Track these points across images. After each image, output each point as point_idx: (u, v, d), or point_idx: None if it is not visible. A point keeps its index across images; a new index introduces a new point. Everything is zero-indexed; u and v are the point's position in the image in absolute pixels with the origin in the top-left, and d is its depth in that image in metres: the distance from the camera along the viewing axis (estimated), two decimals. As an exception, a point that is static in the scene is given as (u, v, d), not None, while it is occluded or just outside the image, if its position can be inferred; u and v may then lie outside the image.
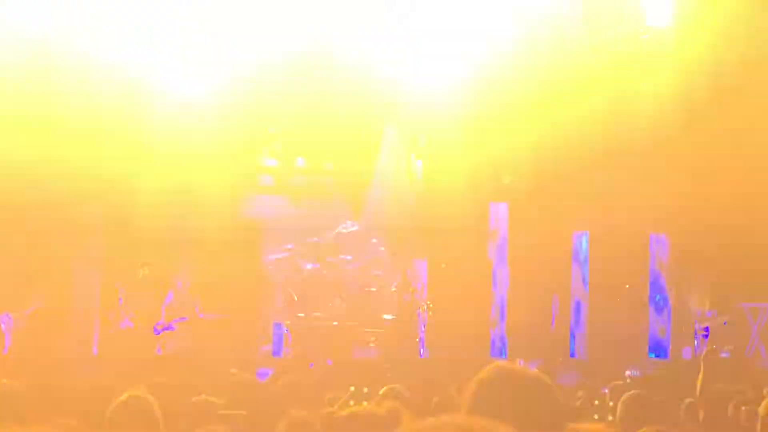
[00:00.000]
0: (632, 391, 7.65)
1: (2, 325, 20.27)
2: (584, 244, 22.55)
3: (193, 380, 11.85)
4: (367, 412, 5.37)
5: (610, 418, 9.48)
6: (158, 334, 20.64)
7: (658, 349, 22.24)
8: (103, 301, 21.62)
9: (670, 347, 22.53)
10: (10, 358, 18.63)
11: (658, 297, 23.00)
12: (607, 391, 11.26)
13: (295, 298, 22.11)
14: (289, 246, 22.35)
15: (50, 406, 8.33)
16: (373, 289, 22.31)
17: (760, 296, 21.75)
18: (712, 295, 22.09)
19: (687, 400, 9.67)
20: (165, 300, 20.63)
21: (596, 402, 10.74)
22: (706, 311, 21.97)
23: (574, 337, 22.77)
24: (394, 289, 21.94)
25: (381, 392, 8.20)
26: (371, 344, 21.60)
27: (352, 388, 10.83)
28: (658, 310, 23.00)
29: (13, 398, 7.06)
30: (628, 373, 15.75)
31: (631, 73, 20.12)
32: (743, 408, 7.88)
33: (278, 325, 21.73)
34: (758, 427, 6.75)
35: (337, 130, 21.22)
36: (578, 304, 22.90)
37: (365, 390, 8.87)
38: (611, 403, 10.64)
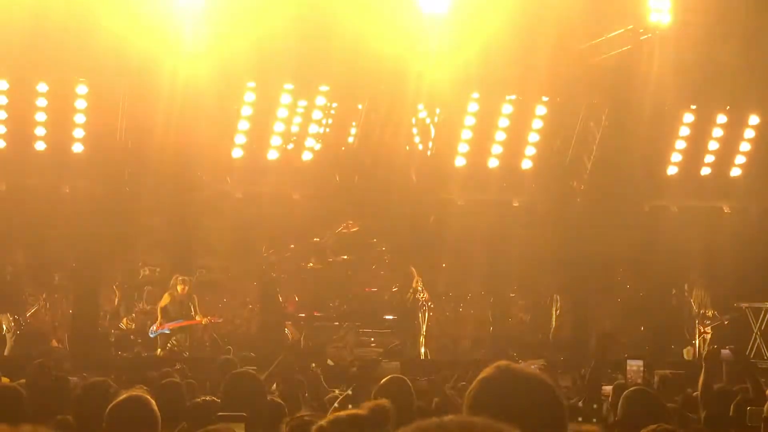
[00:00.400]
0: (633, 388, 7.62)
1: (3, 326, 20.26)
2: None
3: (192, 381, 11.82)
4: (350, 416, 5.30)
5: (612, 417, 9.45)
6: (153, 336, 20.61)
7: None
8: (103, 302, 21.60)
9: (672, 346, 22.52)
10: (12, 359, 18.59)
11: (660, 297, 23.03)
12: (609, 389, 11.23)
13: (296, 299, 22.09)
14: (291, 246, 22.31)
15: (50, 406, 8.30)
16: (374, 290, 22.29)
17: (761, 296, 21.76)
18: (713, 295, 22.08)
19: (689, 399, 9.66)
20: (162, 302, 20.60)
21: (595, 406, 10.68)
22: (708, 311, 21.96)
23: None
24: (395, 289, 21.91)
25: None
26: (372, 344, 21.57)
27: (336, 391, 10.76)
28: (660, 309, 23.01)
29: (13, 398, 7.03)
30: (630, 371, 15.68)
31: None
32: (749, 408, 7.85)
33: (279, 326, 21.72)
34: (762, 427, 6.72)
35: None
36: (578, 304, 22.88)
37: (349, 391, 8.82)
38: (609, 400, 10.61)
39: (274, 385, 12.20)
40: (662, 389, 11.13)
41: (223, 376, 10.83)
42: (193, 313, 20.52)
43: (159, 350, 20.39)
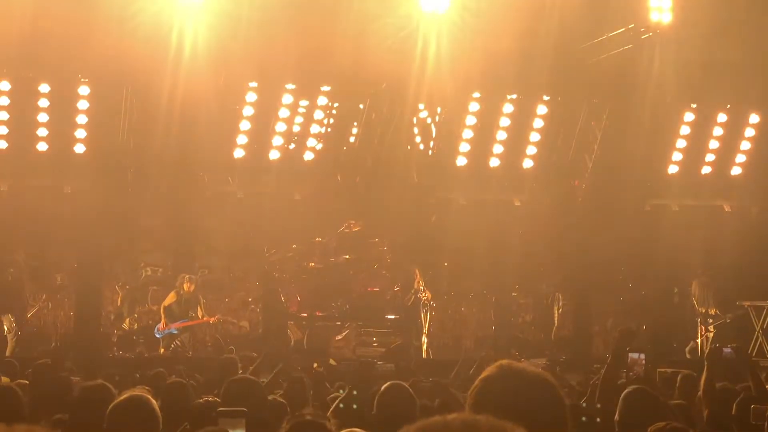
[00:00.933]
0: (632, 387, 7.62)
1: (5, 327, 20.29)
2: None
3: (193, 381, 11.84)
4: None
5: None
6: (159, 336, 20.63)
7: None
8: (105, 302, 21.62)
9: (674, 345, 22.53)
10: (13, 360, 18.61)
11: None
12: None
13: (298, 298, 22.10)
14: (293, 246, 22.34)
15: (52, 406, 8.32)
16: (377, 289, 22.30)
17: (762, 295, 21.76)
18: (716, 293, 22.08)
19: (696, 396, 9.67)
20: (166, 301, 20.63)
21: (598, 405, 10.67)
22: (710, 310, 21.96)
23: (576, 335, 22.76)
24: (397, 288, 21.92)
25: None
26: (374, 344, 21.59)
27: (342, 391, 10.73)
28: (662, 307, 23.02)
29: (11, 398, 7.04)
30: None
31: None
32: (753, 407, 7.85)
33: (282, 326, 21.74)
34: (766, 425, 6.72)
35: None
36: (580, 302, 22.89)
37: (354, 392, 8.78)
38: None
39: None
40: (683, 389, 11.12)
41: (223, 375, 10.87)
42: (199, 312, 20.57)
43: (162, 350, 20.41)
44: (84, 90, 19.71)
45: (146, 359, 19.23)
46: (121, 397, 6.04)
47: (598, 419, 7.79)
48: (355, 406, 8.32)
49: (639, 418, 6.79)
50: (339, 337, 21.42)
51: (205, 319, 20.65)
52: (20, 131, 19.72)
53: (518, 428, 2.38)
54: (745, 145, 21.99)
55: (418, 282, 21.30)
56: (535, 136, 21.48)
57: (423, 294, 21.22)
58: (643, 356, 10.50)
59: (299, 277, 22.14)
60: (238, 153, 20.79)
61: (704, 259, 22.64)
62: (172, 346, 20.39)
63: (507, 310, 23.29)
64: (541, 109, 21.31)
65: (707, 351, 14.90)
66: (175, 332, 20.41)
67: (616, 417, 7.28)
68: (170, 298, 20.57)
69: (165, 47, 18.56)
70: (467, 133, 21.31)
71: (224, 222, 22.06)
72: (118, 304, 21.75)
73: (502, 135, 21.36)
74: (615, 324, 22.89)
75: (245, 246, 22.42)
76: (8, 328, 20.23)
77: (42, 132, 19.74)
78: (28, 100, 19.55)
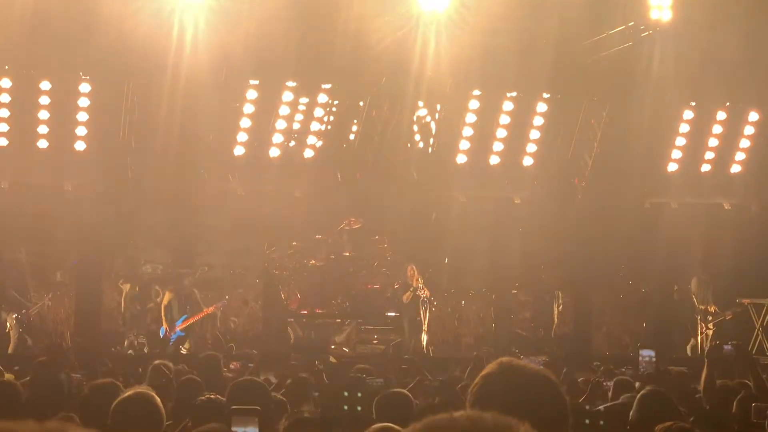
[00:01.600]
0: (647, 389, 7.64)
1: (7, 324, 20.30)
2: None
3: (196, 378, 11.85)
4: None
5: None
6: (168, 338, 20.57)
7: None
8: (106, 299, 21.63)
9: (674, 343, 22.54)
10: (15, 357, 18.64)
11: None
12: (610, 384, 11.26)
13: (298, 296, 22.10)
14: (293, 243, 22.34)
15: (54, 403, 8.35)
16: (377, 287, 22.31)
17: (762, 293, 21.78)
18: (714, 291, 22.10)
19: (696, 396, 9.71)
20: (165, 300, 20.61)
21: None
22: (710, 307, 21.98)
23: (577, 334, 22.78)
24: (397, 286, 21.93)
25: None
26: (374, 341, 21.61)
27: (346, 393, 10.76)
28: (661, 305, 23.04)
29: (10, 394, 7.06)
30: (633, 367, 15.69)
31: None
32: (754, 405, 7.88)
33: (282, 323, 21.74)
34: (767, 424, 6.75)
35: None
36: (580, 300, 22.90)
37: (359, 394, 8.78)
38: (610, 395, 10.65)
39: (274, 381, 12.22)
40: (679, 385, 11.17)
41: (208, 372, 10.90)
42: (202, 309, 20.58)
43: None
44: (85, 87, 19.72)
45: (148, 356, 19.25)
46: (125, 394, 6.07)
47: (602, 422, 7.80)
48: (345, 407, 8.34)
49: (654, 420, 6.80)
50: (339, 336, 21.45)
51: (204, 311, 20.65)
52: (21, 128, 19.74)
53: (523, 425, 2.40)
54: (745, 143, 22.00)
55: (416, 280, 21.30)
56: (534, 134, 21.50)
57: (422, 291, 21.23)
58: (653, 354, 10.55)
59: (299, 274, 22.14)
60: (239, 150, 20.81)
61: (704, 256, 22.67)
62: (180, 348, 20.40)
63: (507, 307, 23.30)
64: (541, 107, 21.33)
65: (707, 348, 14.94)
66: (182, 335, 20.38)
67: (631, 417, 7.29)
68: (167, 297, 20.56)
69: (165, 45, 18.58)
70: (467, 131, 21.33)
71: (224, 219, 22.08)
72: (122, 302, 21.69)
73: (501, 133, 21.38)
74: (614, 321, 22.94)
75: (245, 243, 22.43)
76: (10, 326, 20.25)
77: (43, 129, 19.76)
78: (28, 97, 19.56)
